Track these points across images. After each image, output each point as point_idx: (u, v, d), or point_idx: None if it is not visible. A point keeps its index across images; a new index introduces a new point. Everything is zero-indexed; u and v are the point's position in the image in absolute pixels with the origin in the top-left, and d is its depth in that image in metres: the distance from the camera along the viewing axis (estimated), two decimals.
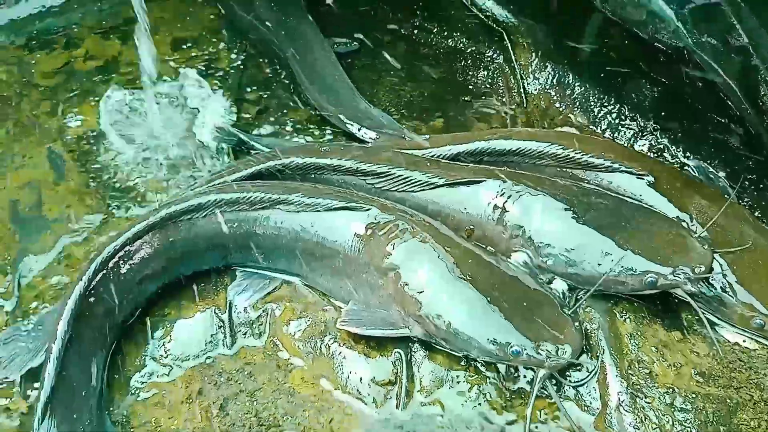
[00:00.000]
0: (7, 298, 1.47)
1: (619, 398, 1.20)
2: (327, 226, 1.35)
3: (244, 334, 1.39)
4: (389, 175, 1.46)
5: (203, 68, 2.10)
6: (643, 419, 1.17)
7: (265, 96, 1.99)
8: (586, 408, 1.22)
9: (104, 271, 1.31)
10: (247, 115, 1.93)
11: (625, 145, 1.69)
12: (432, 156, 1.54)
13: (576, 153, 1.46)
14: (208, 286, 1.46)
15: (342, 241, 1.34)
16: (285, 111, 1.94)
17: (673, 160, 1.62)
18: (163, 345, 1.37)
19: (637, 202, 1.37)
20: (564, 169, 1.49)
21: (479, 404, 1.25)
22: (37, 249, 1.56)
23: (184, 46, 2.18)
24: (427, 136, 1.67)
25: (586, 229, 1.31)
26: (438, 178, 1.43)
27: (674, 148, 1.63)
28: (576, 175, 1.48)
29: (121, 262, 1.33)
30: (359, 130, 1.74)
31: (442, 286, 1.26)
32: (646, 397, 1.20)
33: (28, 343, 1.34)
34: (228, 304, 1.41)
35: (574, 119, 1.79)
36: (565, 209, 1.34)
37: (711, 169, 1.54)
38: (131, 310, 1.38)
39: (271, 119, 1.91)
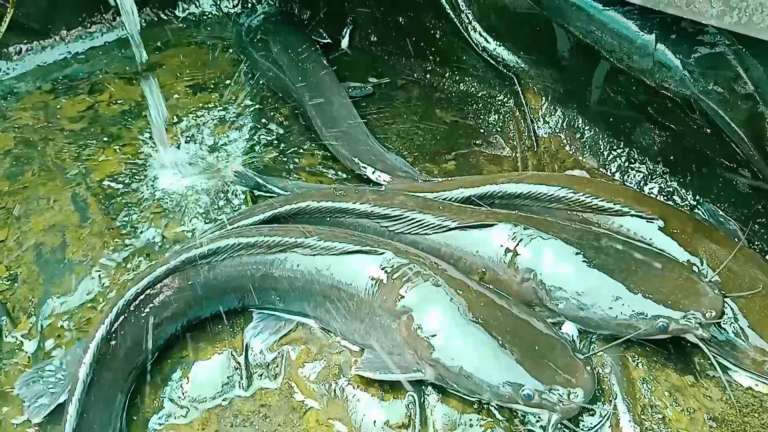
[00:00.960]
0: (30, 338, 1.51)
1: None
2: (342, 270, 1.38)
3: (260, 375, 1.41)
4: (403, 218, 1.49)
5: (221, 112, 2.18)
6: None
7: (280, 140, 2.05)
8: None
9: (125, 315, 1.34)
10: (264, 158, 1.99)
11: (635, 188, 1.71)
12: (444, 199, 1.58)
13: (586, 197, 1.49)
14: (225, 328, 1.49)
15: (356, 284, 1.37)
16: (300, 154, 2.00)
17: (683, 204, 1.64)
18: (181, 386, 1.39)
19: (647, 246, 1.39)
20: (574, 213, 1.51)
21: None
22: (60, 291, 1.61)
23: (203, 92, 2.26)
24: (440, 179, 1.72)
25: (597, 273, 1.33)
26: (450, 221, 1.46)
27: (684, 191, 1.65)
28: (586, 219, 1.50)
29: (142, 305, 1.37)
30: (374, 173, 1.79)
31: (455, 330, 1.28)
32: None
33: (50, 385, 1.38)
34: (244, 346, 1.44)
35: (584, 162, 1.83)
36: (576, 253, 1.36)
37: (721, 213, 1.55)
38: (150, 352, 1.41)
39: (287, 162, 1.97)
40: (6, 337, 1.51)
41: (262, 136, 2.07)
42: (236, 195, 1.82)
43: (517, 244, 1.40)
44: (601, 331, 1.33)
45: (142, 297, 1.36)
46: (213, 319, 1.49)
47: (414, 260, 1.37)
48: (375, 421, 1.30)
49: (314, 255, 1.40)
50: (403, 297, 1.32)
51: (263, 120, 2.13)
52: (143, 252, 1.69)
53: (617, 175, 1.76)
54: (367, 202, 1.52)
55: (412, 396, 1.31)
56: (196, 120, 2.16)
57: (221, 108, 2.19)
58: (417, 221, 1.48)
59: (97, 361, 1.29)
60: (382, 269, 1.36)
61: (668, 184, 1.68)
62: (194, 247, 1.41)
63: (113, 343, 1.32)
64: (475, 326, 1.27)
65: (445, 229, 1.46)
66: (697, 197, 1.62)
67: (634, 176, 1.73)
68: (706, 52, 1.38)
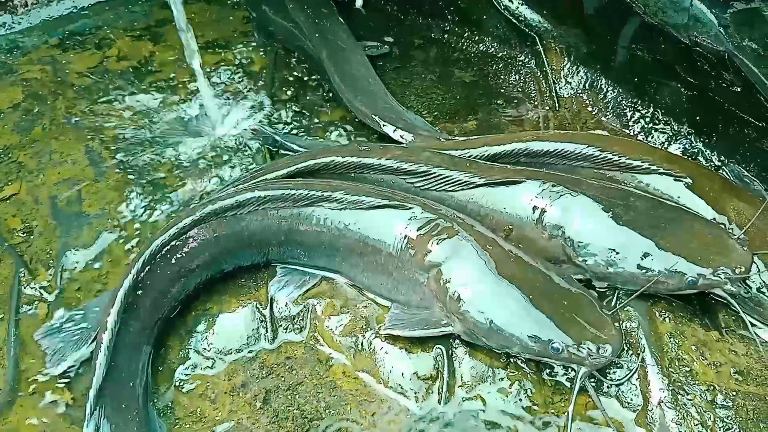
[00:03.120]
0: (50, 291, 1.53)
1: (660, 395, 1.24)
2: (369, 225, 1.40)
3: (285, 329, 1.43)
4: (429, 174, 1.50)
5: (236, 69, 2.17)
6: (685, 416, 1.21)
7: (297, 97, 2.05)
8: (627, 405, 1.26)
9: (151, 265, 1.35)
10: (281, 116, 1.99)
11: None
12: (469, 157, 1.59)
13: (614, 155, 1.50)
14: (249, 282, 1.51)
15: (384, 239, 1.39)
16: (318, 112, 2.00)
17: (708, 164, 1.66)
18: (206, 338, 1.42)
19: (675, 204, 1.41)
20: (601, 171, 1.53)
21: (520, 400, 1.28)
22: (78, 244, 1.62)
23: (217, 49, 2.25)
24: (463, 138, 1.73)
25: (626, 229, 1.35)
26: (478, 177, 1.47)
27: (708, 152, 1.67)
28: (613, 177, 1.52)
29: (168, 256, 1.38)
30: (394, 131, 1.79)
31: (484, 284, 1.30)
32: (687, 395, 1.23)
33: (71, 337, 1.40)
34: (269, 300, 1.46)
35: (607, 123, 1.84)
36: (605, 210, 1.38)
37: (746, 174, 1.57)
38: (175, 303, 1.43)
39: (305, 120, 1.97)
40: (25, 288, 1.53)
41: (277, 95, 2.07)
42: (255, 152, 1.83)
43: (545, 201, 1.42)
44: (629, 287, 1.36)
45: (168, 247, 1.37)
46: (236, 272, 1.51)
47: (442, 216, 1.39)
48: (403, 373, 1.32)
49: (341, 209, 1.41)
50: (432, 251, 1.34)
51: (278, 79, 2.12)
52: (160, 206, 1.70)
53: (641, 136, 1.77)
54: (393, 158, 1.53)
55: (440, 348, 1.34)
56: (209, 79, 2.15)
57: (235, 67, 2.18)
58: (443, 178, 1.49)
59: (125, 311, 1.30)
60: (411, 224, 1.38)
61: (693, 144, 1.70)
62: (219, 198, 1.42)
63: (140, 293, 1.34)
64: (505, 281, 1.29)
65: (472, 185, 1.47)
66: (723, 158, 1.64)
67: (658, 137, 1.75)
68: (742, 7, 1.39)
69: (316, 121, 1.97)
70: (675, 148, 1.71)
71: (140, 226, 1.66)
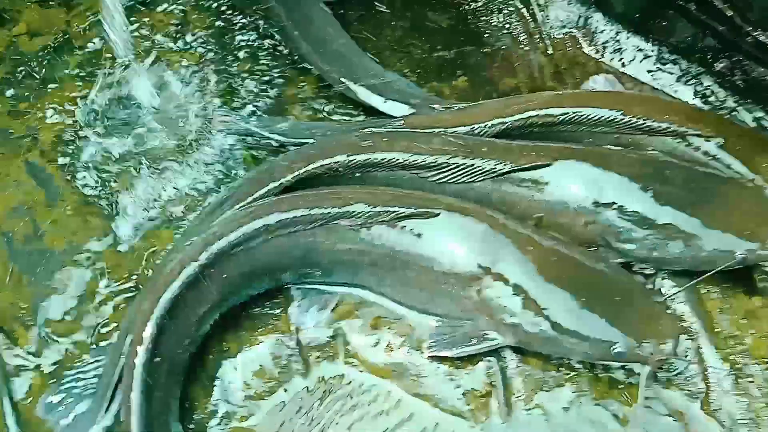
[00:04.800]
0: (38, 354, 1.37)
1: (720, 379, 1.25)
2: (396, 237, 1.29)
3: (317, 359, 1.35)
4: (445, 165, 1.39)
5: (173, 35, 1.91)
6: (749, 397, 1.23)
7: (254, 68, 1.82)
8: (689, 393, 1.27)
9: (163, 325, 1.22)
10: (237, 94, 1.77)
11: (667, 90, 1.66)
12: (482, 135, 1.48)
13: (637, 118, 1.43)
14: (264, 310, 1.39)
15: (413, 251, 1.29)
16: (284, 85, 1.79)
17: (721, 105, 1.61)
18: (233, 384, 1.32)
19: (713, 171, 1.37)
20: (624, 136, 1.45)
21: (579, 402, 1.27)
22: (51, 290, 1.44)
23: (143, 8, 1.96)
24: (463, 106, 1.60)
25: (669, 209, 1.31)
26: (501, 164, 1.37)
27: (721, 92, 1.61)
28: (637, 141, 1.45)
29: (177, 311, 1.24)
30: (384, 102, 1.64)
31: (533, 291, 1.24)
32: (747, 376, 1.25)
33: (76, 396, 1.27)
34: (294, 329, 1.36)
35: (608, 66, 1.74)
36: (642, 189, 1.32)
37: (764, 116, 1.54)
38: (191, 351, 1.31)
39: (270, 96, 1.77)
40: (9, 359, 1.36)
41: (230, 65, 1.84)
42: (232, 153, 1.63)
43: (578, 184, 1.35)
44: (674, 268, 1.33)
45: (176, 302, 1.23)
46: (248, 302, 1.39)
47: (472, 217, 1.30)
48: (455, 393, 1.28)
49: (362, 225, 1.30)
50: (468, 259, 1.26)
51: (228, 45, 1.87)
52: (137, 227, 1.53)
53: (646, 77, 1.69)
54: (402, 150, 1.40)
55: (490, 360, 1.30)
56: (139, 48, 1.89)
57: (172, 30, 1.91)
58: (462, 168, 1.38)
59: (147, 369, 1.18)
60: (440, 231, 1.28)
61: (704, 85, 1.63)
62: (221, 232, 1.27)
63: (157, 359, 1.21)
64: (555, 284, 1.24)
65: (495, 174, 1.38)
66: (738, 98, 1.59)
67: (666, 78, 1.67)
68: None
69: (284, 96, 1.77)
70: (685, 91, 1.64)
71: (118, 256, 1.49)
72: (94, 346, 1.36)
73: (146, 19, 1.92)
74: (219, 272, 1.26)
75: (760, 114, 1.56)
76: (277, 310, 1.39)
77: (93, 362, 1.32)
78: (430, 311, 1.34)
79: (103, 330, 1.39)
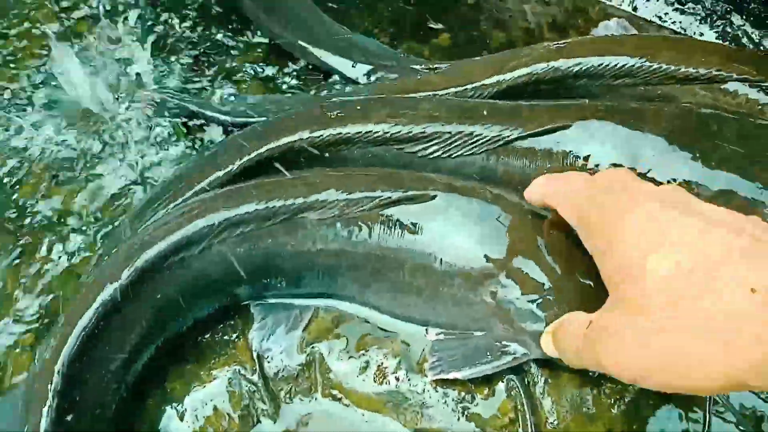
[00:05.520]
0: None
1: None
2: (380, 229, 1.01)
3: (289, 394, 1.05)
4: (437, 135, 1.11)
5: (95, 7, 1.60)
6: None
7: (199, 37, 1.52)
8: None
9: (78, 362, 0.91)
10: (172, 69, 1.47)
11: (691, 34, 1.40)
12: (472, 95, 1.20)
13: (668, 64, 1.16)
14: (217, 337, 1.09)
15: (406, 246, 1.01)
16: (232, 54, 1.50)
17: (755, 48, 1.36)
18: None
19: (766, 120, 1.11)
20: (652, 87, 1.19)
21: (628, 423, 1.01)
22: None
23: None
24: (449, 65, 1.32)
25: (722, 171, 1.04)
26: (507, 129, 1.10)
27: (756, 32, 1.36)
28: (667, 94, 1.19)
29: (96, 342, 0.94)
30: (354, 66, 1.36)
31: (562, 288, 0.97)
32: None
33: None
34: (256, 357, 1.07)
35: (615, 8, 1.48)
36: (688, 148, 1.06)
37: None
38: (120, 397, 1.00)
39: (215, 68, 1.47)
40: None
41: (169, 36, 1.53)
42: (166, 135, 1.33)
43: (605, 149, 1.08)
44: None
45: (96, 332, 0.92)
46: (195, 327, 1.09)
47: (478, 198, 1.02)
48: (469, 426, 1.00)
49: (336, 218, 1.01)
50: (480, 253, 0.99)
51: (161, 12, 1.57)
52: (44, 240, 1.21)
53: (664, 20, 1.44)
54: (381, 120, 1.11)
55: (513, 380, 1.02)
56: (56, 25, 1.57)
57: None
58: (459, 137, 1.10)
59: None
60: (439, 218, 1.00)
61: (733, 25, 1.38)
62: (152, 238, 0.97)
63: (72, 399, 0.90)
64: (582, 281, 0.97)
65: (500, 142, 1.10)
66: None
67: (689, 20, 1.41)
68: None
69: (232, 65, 1.47)
70: (710, 35, 1.39)
71: (29, 280, 1.18)
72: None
73: None
74: (149, 292, 0.96)
75: None
76: (233, 335, 1.09)
77: None
78: (431, 322, 1.06)
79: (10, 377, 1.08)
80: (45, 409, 0.86)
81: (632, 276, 0.74)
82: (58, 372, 0.87)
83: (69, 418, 0.88)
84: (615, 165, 1.05)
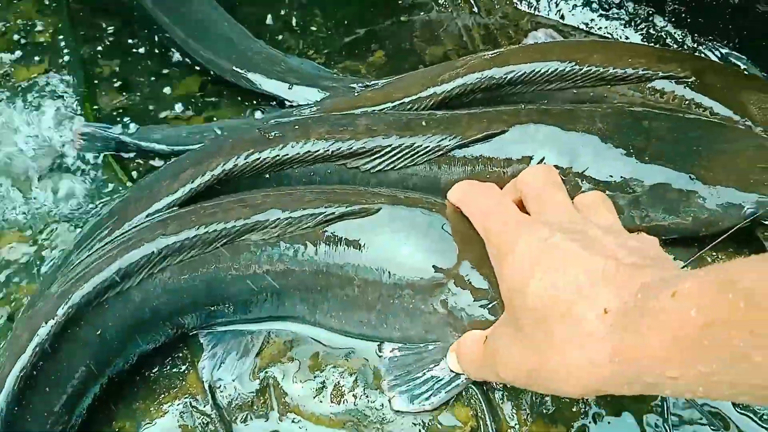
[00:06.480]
0: None
1: None
2: (327, 246, 1.01)
3: (245, 420, 1.03)
4: (378, 149, 1.12)
5: (19, 43, 1.56)
6: None
7: (121, 69, 1.50)
8: None
9: (12, 413, 0.87)
10: (106, 104, 1.44)
11: (617, 38, 1.46)
12: (410, 108, 1.22)
13: (597, 67, 1.20)
14: (165, 370, 1.07)
15: (354, 262, 1.01)
16: (161, 84, 1.47)
17: (680, 49, 1.42)
18: None
19: (698, 117, 1.15)
20: (583, 90, 1.23)
21: (592, 423, 1.02)
22: None
23: None
24: (386, 81, 1.34)
25: (657, 167, 1.08)
26: (446, 138, 1.11)
27: (678, 33, 1.43)
28: (598, 95, 1.23)
29: (35, 387, 0.90)
30: (290, 89, 1.36)
31: None
32: None
33: None
34: (208, 388, 1.04)
35: (544, 18, 1.52)
36: (622, 145, 1.09)
37: (733, 52, 1.36)
38: None
39: (148, 101, 1.45)
40: None
41: (91, 71, 1.50)
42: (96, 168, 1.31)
43: (543, 152, 1.10)
44: (672, 236, 1.11)
45: (29, 378, 0.88)
46: (139, 362, 1.06)
47: (421, 208, 1.03)
48: None
49: (279, 237, 1.00)
50: (429, 264, 0.99)
51: (78, 45, 1.54)
52: None
53: (590, 26, 1.49)
54: (320, 138, 1.11)
55: (472, 388, 1.02)
56: None
57: (17, 35, 1.57)
58: (399, 149, 1.11)
59: None
60: (385, 231, 1.01)
61: (656, 27, 1.44)
62: (86, 273, 0.94)
63: None
64: None
65: (440, 151, 1.11)
66: (697, 37, 1.40)
67: (614, 25, 1.47)
68: None
69: (161, 99, 1.45)
70: (637, 36, 1.45)
71: None
72: None
73: None
74: (88, 329, 0.93)
75: (725, 50, 1.38)
76: (182, 367, 1.06)
77: None
78: (384, 338, 1.06)
79: None
80: None
81: (517, 295, 0.83)
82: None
83: None
84: (556, 166, 1.08)
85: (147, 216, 1.06)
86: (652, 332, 0.68)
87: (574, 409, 1.02)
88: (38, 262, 1.18)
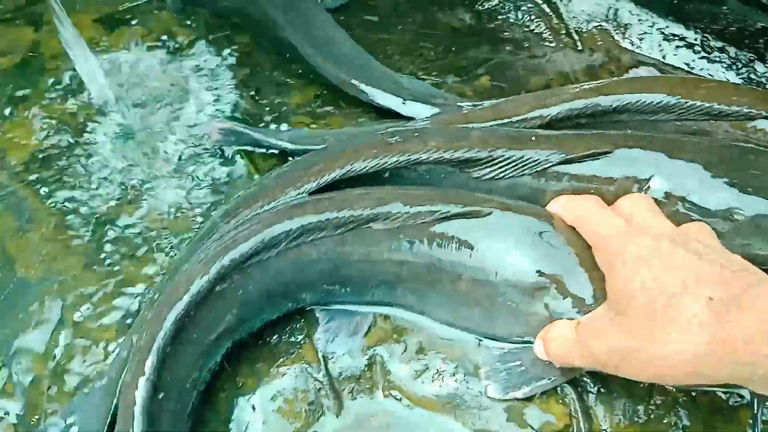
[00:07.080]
0: (12, 398, 1.14)
1: None
2: (441, 242, 1.11)
3: (351, 392, 1.14)
4: (489, 159, 1.22)
5: (153, 50, 1.75)
6: None
7: (252, 77, 1.67)
8: None
9: (168, 347, 1.00)
10: (237, 105, 1.61)
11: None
12: (519, 126, 1.32)
13: (702, 102, 1.28)
14: (284, 338, 1.19)
15: (463, 259, 1.11)
16: (286, 92, 1.63)
17: None
18: (252, 425, 1.10)
19: None
20: (686, 123, 1.31)
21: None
22: (25, 324, 1.23)
23: (119, 26, 1.80)
24: (496, 102, 1.45)
25: (758, 197, 1.15)
26: (556, 154, 1.21)
27: None
28: (702, 129, 1.31)
29: (184, 335, 1.03)
30: (404, 103, 1.49)
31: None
32: None
33: None
34: (321, 358, 1.15)
35: (645, 56, 1.61)
36: (724, 176, 1.16)
37: None
38: (199, 389, 1.09)
39: (272, 105, 1.60)
40: None
41: (223, 76, 1.68)
42: (228, 159, 1.46)
43: (647, 174, 1.19)
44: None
45: (182, 325, 1.02)
46: (264, 330, 1.19)
47: (531, 215, 1.13)
48: (529, 427, 1.08)
49: (399, 228, 1.11)
50: (534, 266, 1.08)
51: (218, 54, 1.72)
52: (118, 252, 1.32)
53: (691, 66, 1.57)
54: (438, 144, 1.22)
55: (567, 387, 1.10)
56: (120, 63, 1.72)
57: (152, 44, 1.75)
58: (510, 160, 1.22)
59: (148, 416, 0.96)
60: (495, 234, 1.11)
61: (757, 72, 1.52)
62: (233, 241, 1.07)
63: (161, 395, 0.99)
64: None
65: (548, 164, 1.21)
66: None
67: (715, 67, 1.55)
68: None
69: (289, 103, 1.61)
70: (737, 79, 1.52)
71: (102, 284, 1.28)
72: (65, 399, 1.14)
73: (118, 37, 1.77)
74: (233, 289, 1.06)
75: None
76: (299, 337, 1.19)
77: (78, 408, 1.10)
78: (488, 333, 1.15)
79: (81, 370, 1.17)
80: (142, 382, 0.95)
81: (624, 286, 0.93)
82: (158, 351, 0.96)
83: (159, 396, 0.97)
84: (649, 187, 1.16)
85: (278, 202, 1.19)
86: (749, 312, 0.75)
87: (665, 421, 1.08)
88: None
